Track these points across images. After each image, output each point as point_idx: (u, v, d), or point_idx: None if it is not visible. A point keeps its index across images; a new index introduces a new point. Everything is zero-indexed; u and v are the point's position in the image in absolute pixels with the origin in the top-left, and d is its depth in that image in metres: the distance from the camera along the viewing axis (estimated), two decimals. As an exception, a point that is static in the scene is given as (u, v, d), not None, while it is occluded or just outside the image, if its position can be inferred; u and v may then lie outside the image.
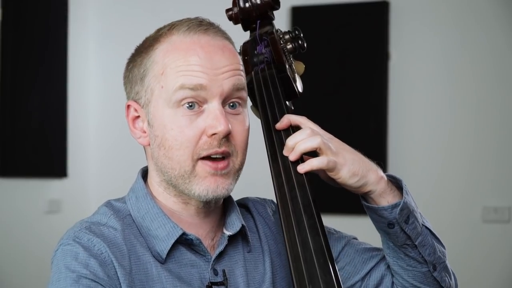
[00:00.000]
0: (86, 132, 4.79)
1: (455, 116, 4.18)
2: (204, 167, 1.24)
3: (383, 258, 1.39)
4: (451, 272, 1.39)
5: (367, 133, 4.24)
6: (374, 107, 4.28)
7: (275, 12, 1.45)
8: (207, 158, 1.24)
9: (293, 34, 1.43)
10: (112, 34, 4.77)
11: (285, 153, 1.27)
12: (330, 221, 1.50)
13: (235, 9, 1.43)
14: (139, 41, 1.33)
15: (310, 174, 1.26)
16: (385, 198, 1.29)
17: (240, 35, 1.45)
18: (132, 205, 1.30)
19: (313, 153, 1.26)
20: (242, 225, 1.31)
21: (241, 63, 1.30)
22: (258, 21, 1.42)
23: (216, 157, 1.25)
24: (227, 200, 1.34)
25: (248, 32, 1.45)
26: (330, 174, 1.26)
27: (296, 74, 1.43)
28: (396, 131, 4.26)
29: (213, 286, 1.26)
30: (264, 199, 1.45)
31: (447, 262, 1.37)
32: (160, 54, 1.26)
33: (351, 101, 4.32)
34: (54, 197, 4.54)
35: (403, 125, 4.26)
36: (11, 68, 4.28)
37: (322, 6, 4.39)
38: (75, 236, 1.22)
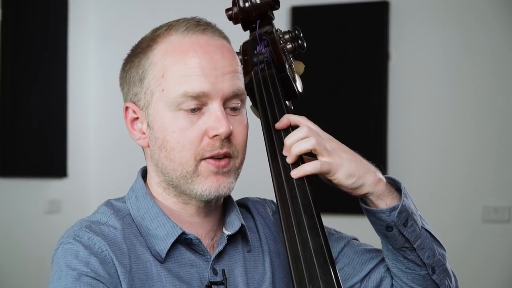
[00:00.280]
0: (86, 132, 4.79)
1: (455, 116, 4.18)
2: (207, 166, 1.24)
3: (383, 259, 1.39)
4: (452, 274, 1.38)
5: (367, 133, 4.24)
6: (374, 107, 4.27)
7: (275, 12, 1.45)
8: (210, 157, 1.24)
9: (293, 34, 1.43)
10: (112, 34, 4.77)
11: (284, 152, 1.27)
12: (330, 221, 1.49)
13: (235, 9, 1.43)
14: (139, 41, 1.33)
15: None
16: (384, 201, 1.29)
17: (240, 35, 1.45)
18: (132, 205, 1.30)
19: (312, 153, 1.26)
20: (242, 224, 1.31)
21: (239, 63, 1.31)
22: (258, 21, 1.42)
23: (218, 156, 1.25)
24: (227, 199, 1.34)
25: (248, 32, 1.45)
26: (326, 175, 1.26)
27: (296, 74, 1.43)
28: (396, 131, 4.25)
29: (212, 286, 1.26)
30: (264, 199, 1.45)
31: (447, 264, 1.36)
32: (159, 55, 1.26)
33: (351, 101, 4.32)
34: (54, 197, 4.54)
35: (403, 125, 4.26)
36: (11, 68, 4.27)
37: (322, 6, 4.39)
38: (75, 234, 1.23)
